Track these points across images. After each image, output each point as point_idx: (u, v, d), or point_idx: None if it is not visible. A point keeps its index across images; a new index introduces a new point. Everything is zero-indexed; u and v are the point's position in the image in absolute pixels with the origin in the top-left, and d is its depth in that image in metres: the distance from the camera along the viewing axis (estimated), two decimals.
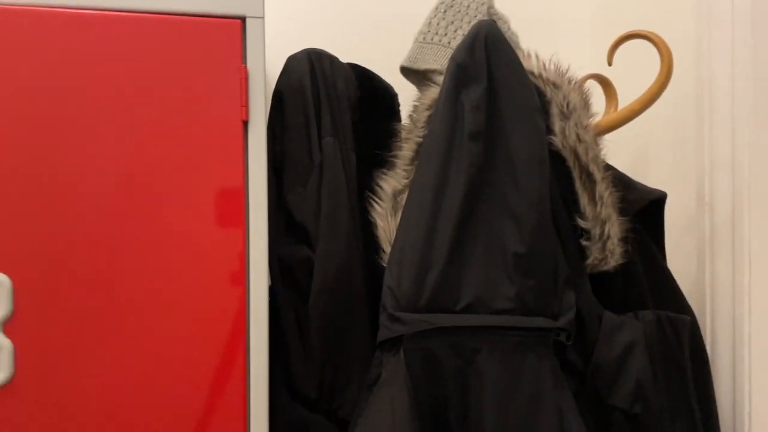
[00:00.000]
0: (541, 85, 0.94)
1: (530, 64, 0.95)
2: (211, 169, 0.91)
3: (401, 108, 1.16)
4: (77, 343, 0.86)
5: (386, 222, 0.95)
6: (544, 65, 0.96)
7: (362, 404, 0.90)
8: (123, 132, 0.88)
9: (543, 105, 0.92)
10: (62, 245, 0.85)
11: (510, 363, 0.84)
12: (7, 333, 0.83)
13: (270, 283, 0.98)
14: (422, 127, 0.95)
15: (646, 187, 1.03)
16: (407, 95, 1.07)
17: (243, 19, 0.91)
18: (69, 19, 0.86)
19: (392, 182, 0.96)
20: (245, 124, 0.92)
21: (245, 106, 0.92)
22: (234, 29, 0.91)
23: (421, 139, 0.95)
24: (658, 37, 1.00)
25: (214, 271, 0.91)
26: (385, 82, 1.17)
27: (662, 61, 1.00)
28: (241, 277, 0.92)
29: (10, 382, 0.83)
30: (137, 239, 0.88)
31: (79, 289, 0.86)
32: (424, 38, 1.11)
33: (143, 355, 0.88)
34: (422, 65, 1.10)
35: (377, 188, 0.98)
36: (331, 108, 1.04)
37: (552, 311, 0.86)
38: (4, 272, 0.83)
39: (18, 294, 0.84)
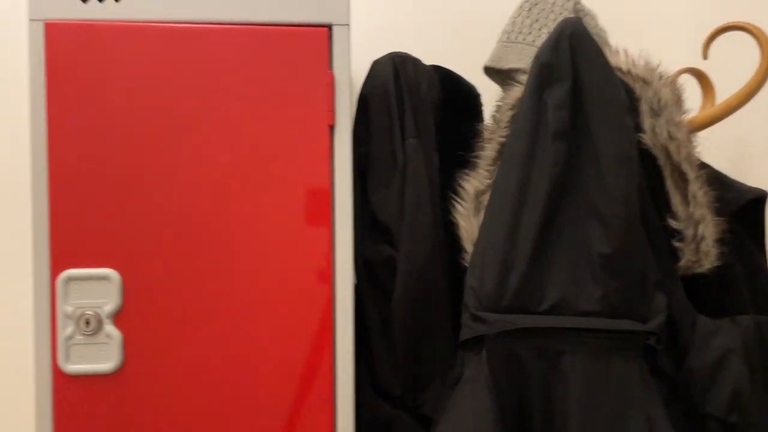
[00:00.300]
0: (629, 81, 0.91)
1: (618, 61, 0.93)
2: (299, 172, 0.95)
3: (484, 108, 1.16)
4: (179, 335, 0.92)
5: (468, 222, 0.95)
6: (633, 61, 0.93)
7: (444, 403, 0.91)
8: (221, 137, 0.93)
9: (631, 102, 0.89)
10: (167, 244, 0.92)
11: (596, 366, 0.83)
12: (117, 324, 0.91)
13: (355, 281, 1.01)
14: (505, 127, 0.95)
15: (745, 185, 0.97)
16: (490, 95, 1.07)
17: (330, 27, 0.95)
18: (173, 33, 0.93)
19: (474, 183, 0.97)
20: (331, 128, 0.95)
21: (331, 110, 0.95)
22: (321, 37, 0.95)
23: (504, 139, 0.95)
24: (758, 29, 0.95)
25: (302, 270, 0.94)
26: (468, 82, 1.17)
27: (762, 53, 0.94)
28: (327, 276, 0.95)
29: (120, 369, 0.91)
30: (232, 238, 0.93)
31: (181, 284, 0.92)
32: (507, 37, 1.10)
33: (236, 348, 0.93)
34: (506, 65, 1.09)
35: (459, 189, 0.98)
36: (414, 110, 1.06)
37: (640, 314, 0.84)
38: (115, 268, 0.91)
39: (127, 289, 0.91)
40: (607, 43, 1.06)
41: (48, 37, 0.90)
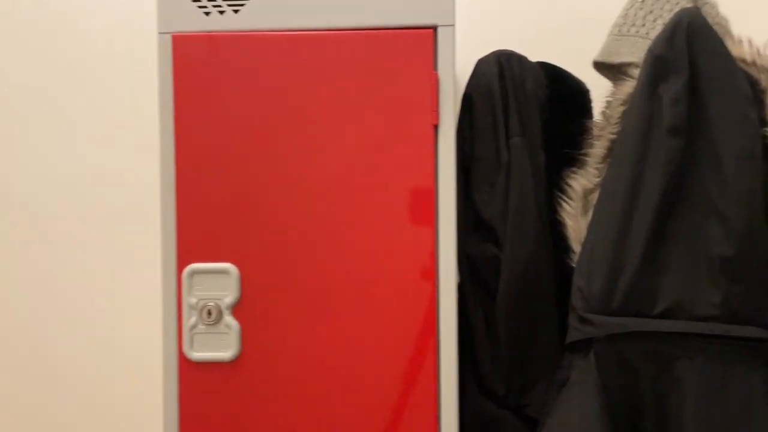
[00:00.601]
0: (754, 73, 0.86)
1: (742, 51, 0.87)
2: (404, 171, 0.97)
3: (593, 105, 1.13)
4: (291, 328, 0.97)
5: (576, 221, 0.93)
6: (759, 51, 0.87)
7: (550, 405, 0.90)
8: (331, 139, 0.97)
9: (756, 95, 0.84)
10: (281, 242, 0.97)
11: (714, 374, 0.78)
12: (236, 316, 0.97)
13: (458, 280, 1.02)
14: (616, 124, 0.92)
15: None
16: (600, 91, 1.03)
17: (435, 29, 0.96)
18: (287, 40, 0.97)
19: (583, 181, 0.94)
20: (436, 127, 0.97)
21: (436, 110, 0.96)
22: (426, 38, 0.96)
23: (614, 136, 0.92)
24: None
25: (406, 268, 0.96)
26: (577, 78, 1.14)
27: None
28: (431, 274, 0.96)
29: (238, 358, 0.97)
30: (341, 236, 0.97)
31: (293, 280, 0.97)
32: (619, 30, 1.06)
33: (344, 343, 0.96)
34: (617, 59, 1.05)
35: (567, 187, 0.96)
36: (519, 108, 1.05)
37: (766, 320, 0.79)
38: (234, 263, 0.97)
39: (245, 282, 0.97)
40: (729, 32, 1.00)
41: (175, 49, 0.98)
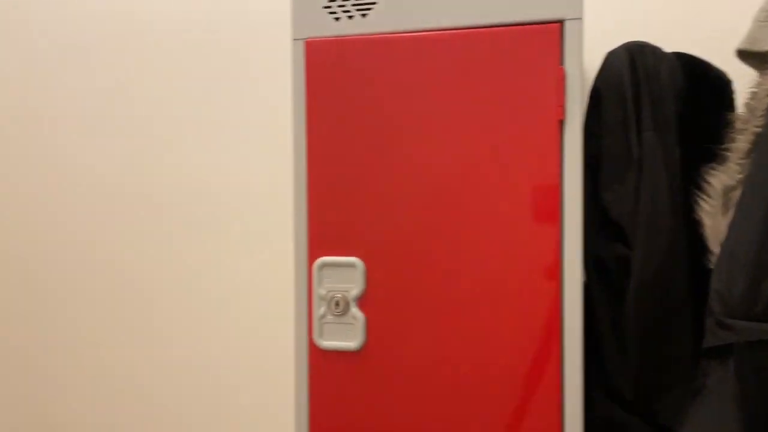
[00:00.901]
0: None
1: None
2: (528, 168, 0.96)
3: (736, 96, 1.05)
4: (415, 322, 0.99)
5: (715, 221, 0.88)
6: None
7: (685, 413, 0.86)
8: (457, 136, 0.98)
9: None
10: (406, 238, 1.00)
11: None
12: (361, 307, 1.01)
13: (584, 280, 0.99)
14: (761, 116, 0.86)
15: None
16: (744, 82, 0.96)
17: (561, 23, 0.94)
18: (414, 41, 1.00)
19: (723, 177, 0.89)
20: (561, 123, 0.95)
21: (561, 105, 0.94)
22: (552, 33, 0.95)
23: (760, 129, 0.85)
24: None
25: (530, 267, 0.95)
26: (717, 68, 1.07)
27: None
28: (555, 273, 0.95)
29: (364, 348, 1.01)
30: (464, 232, 0.98)
31: (417, 275, 0.99)
32: (766, 16, 0.98)
33: (466, 339, 0.97)
34: (764, 46, 0.98)
35: (705, 184, 0.91)
36: (652, 101, 1.00)
37: None
38: (359, 257, 1.01)
39: (370, 276, 1.01)
40: None
41: (308, 54, 1.03)
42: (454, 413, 0.98)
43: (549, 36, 0.95)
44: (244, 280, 1.53)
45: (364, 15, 1.02)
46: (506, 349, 0.96)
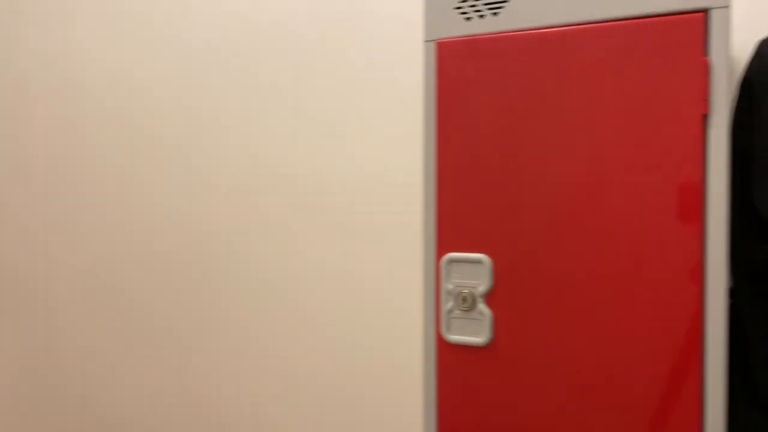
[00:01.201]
0: None
1: None
2: (669, 165, 0.92)
3: None
4: (544, 321, 0.99)
5: None
6: None
7: None
8: (593, 133, 0.96)
9: None
10: (535, 236, 0.99)
11: None
12: (489, 304, 1.02)
13: (731, 284, 0.93)
14: None
15: None
16: None
17: (706, 12, 0.89)
18: (546, 37, 0.99)
19: None
20: (705, 117, 0.90)
21: (706, 99, 0.89)
22: (696, 23, 0.90)
23: None
24: None
25: (670, 268, 0.91)
26: None
27: None
28: (697, 276, 0.90)
29: (491, 344, 1.02)
30: (598, 230, 0.95)
31: (550, 271, 0.98)
32: None
33: (599, 341, 0.95)
34: None
35: None
36: None
37: None
38: (486, 253, 1.02)
39: (497, 273, 1.02)
40: None
41: (439, 54, 1.06)
42: (582, 419, 0.96)
43: (692, 26, 0.90)
44: (374, 275, 1.59)
45: (495, 14, 1.02)
46: (643, 354, 0.92)
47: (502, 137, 1.01)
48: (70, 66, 1.99)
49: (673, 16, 0.91)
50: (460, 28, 1.05)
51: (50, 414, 2.07)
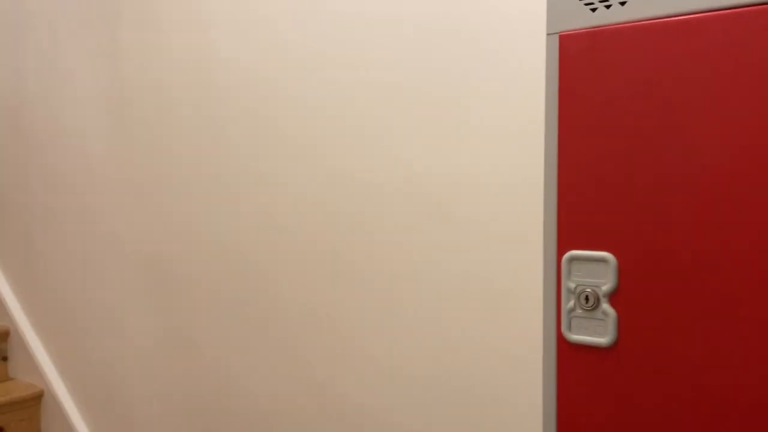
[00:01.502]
0: None
1: None
2: None
3: None
4: (674, 324, 0.94)
5: None
6: None
7: None
8: (728, 124, 0.90)
9: None
10: (666, 231, 0.94)
11: None
12: (613, 304, 0.99)
13: None
14: None
15: None
16: None
17: None
18: (676, 26, 0.94)
19: None
20: None
21: None
22: None
23: None
24: None
25: None
26: None
27: None
28: None
29: (614, 345, 0.98)
30: (736, 227, 0.89)
31: (679, 271, 0.93)
32: None
33: (736, 342, 0.89)
34: None
35: None
36: None
37: None
38: (611, 252, 0.99)
39: (623, 272, 0.98)
40: None
41: (561, 47, 1.03)
42: (714, 428, 0.90)
43: None
44: (491, 271, 1.59)
45: (623, 3, 0.99)
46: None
47: (625, 132, 0.97)
48: (207, 69, 2.15)
49: None
50: (584, 20, 1.02)
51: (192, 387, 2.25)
